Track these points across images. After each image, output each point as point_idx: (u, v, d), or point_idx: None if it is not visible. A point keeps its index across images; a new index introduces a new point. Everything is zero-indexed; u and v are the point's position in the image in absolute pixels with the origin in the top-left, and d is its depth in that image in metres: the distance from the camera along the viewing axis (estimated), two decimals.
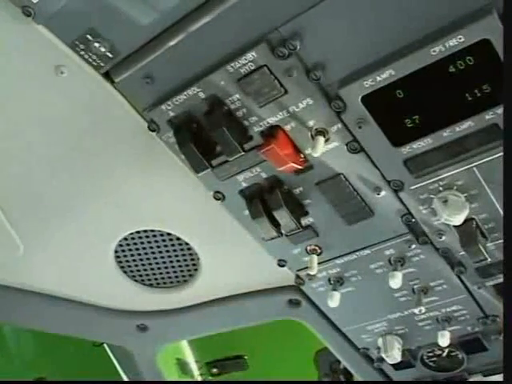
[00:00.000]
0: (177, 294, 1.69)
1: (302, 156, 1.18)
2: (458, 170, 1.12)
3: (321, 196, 1.23)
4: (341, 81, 1.05)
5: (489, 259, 1.22)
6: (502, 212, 1.17)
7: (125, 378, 2.16)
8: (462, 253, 1.25)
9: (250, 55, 1.04)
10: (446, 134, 1.06)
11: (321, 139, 1.11)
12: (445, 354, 1.58)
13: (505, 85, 0.88)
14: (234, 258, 1.52)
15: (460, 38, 0.93)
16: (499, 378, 1.57)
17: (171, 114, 1.17)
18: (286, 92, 1.08)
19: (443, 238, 1.25)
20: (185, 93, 1.13)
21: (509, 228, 0.89)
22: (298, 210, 1.27)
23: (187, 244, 1.55)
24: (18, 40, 1.11)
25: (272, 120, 1.13)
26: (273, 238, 1.30)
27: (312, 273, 1.35)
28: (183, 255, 1.59)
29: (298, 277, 1.45)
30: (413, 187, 1.17)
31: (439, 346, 1.44)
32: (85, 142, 1.29)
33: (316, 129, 1.13)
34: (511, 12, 0.86)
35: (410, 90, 1.03)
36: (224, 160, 1.20)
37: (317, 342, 1.66)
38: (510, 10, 0.86)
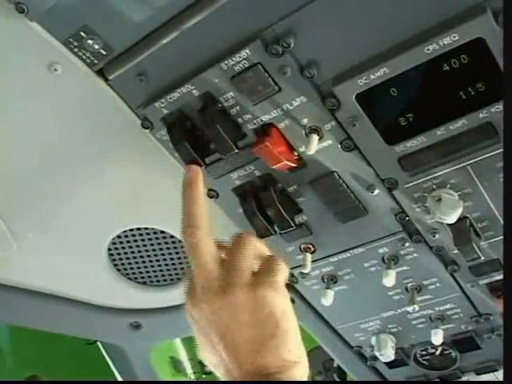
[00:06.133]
0: (170, 291, 1.69)
1: (296, 154, 1.18)
2: (451, 169, 1.12)
3: (314, 194, 1.23)
4: (335, 79, 1.05)
5: (482, 258, 1.23)
6: (495, 210, 1.17)
7: (118, 376, 2.16)
8: (456, 251, 1.25)
9: (244, 53, 1.04)
10: (440, 133, 1.07)
11: (315, 137, 1.11)
12: (438, 353, 1.58)
13: (505, 85, 0.88)
14: None
15: (454, 37, 0.93)
16: (492, 376, 1.58)
17: (165, 111, 1.17)
18: (279, 90, 1.08)
19: (437, 236, 1.25)
20: (178, 90, 1.13)
21: (509, 228, 0.89)
22: (291, 208, 1.27)
23: (180, 242, 1.55)
24: (10, 37, 1.10)
25: (266, 118, 1.13)
26: (266, 236, 1.30)
27: (305, 271, 1.35)
28: (177, 253, 1.59)
29: (291, 275, 1.44)
30: (407, 185, 1.17)
31: (433, 344, 1.45)
32: (77, 140, 1.28)
33: (310, 127, 1.12)
34: (511, 12, 0.86)
35: (404, 88, 1.03)
36: (218, 158, 1.20)
37: (310, 340, 1.65)
38: (510, 9, 0.86)
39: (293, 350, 0.99)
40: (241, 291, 0.98)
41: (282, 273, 1.03)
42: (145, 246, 1.59)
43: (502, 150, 1.06)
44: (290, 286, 1.51)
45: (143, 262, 1.63)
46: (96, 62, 1.12)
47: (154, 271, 1.66)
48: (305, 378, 1.00)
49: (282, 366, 0.96)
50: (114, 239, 1.57)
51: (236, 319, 0.97)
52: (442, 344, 1.46)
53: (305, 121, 1.12)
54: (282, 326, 0.99)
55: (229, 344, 0.97)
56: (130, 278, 1.68)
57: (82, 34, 1.08)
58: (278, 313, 0.99)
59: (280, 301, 1.01)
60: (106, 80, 1.16)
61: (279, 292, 1.01)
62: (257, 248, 1.05)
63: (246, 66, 1.06)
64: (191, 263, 1.01)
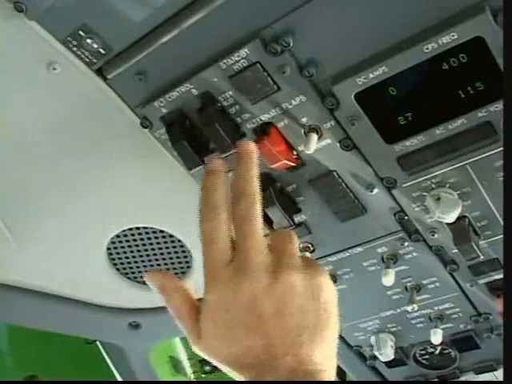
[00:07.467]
0: None
1: (295, 153, 1.18)
2: (450, 168, 1.12)
3: (314, 193, 1.23)
4: (334, 78, 1.05)
5: (481, 257, 1.23)
6: (494, 210, 1.17)
7: (117, 376, 2.16)
8: (455, 250, 1.25)
9: (243, 52, 1.04)
10: (439, 132, 1.07)
11: (314, 136, 1.11)
12: (437, 352, 1.58)
13: (505, 85, 0.88)
14: None
15: (453, 35, 0.93)
16: (491, 376, 1.58)
17: (164, 110, 1.17)
18: (278, 89, 1.08)
19: (436, 235, 1.25)
20: (177, 89, 1.13)
21: (509, 227, 0.89)
22: (290, 207, 1.27)
23: (180, 241, 1.55)
24: (9, 36, 1.10)
25: (265, 117, 1.13)
26: (265, 235, 1.30)
27: None
28: (176, 252, 1.59)
29: None
30: (405, 185, 1.17)
31: (432, 343, 1.45)
32: (76, 139, 1.28)
33: (309, 126, 1.12)
34: (511, 11, 0.86)
35: (403, 87, 1.03)
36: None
37: None
38: (510, 9, 0.86)
39: (334, 345, 0.91)
40: (296, 272, 0.89)
41: None
42: (144, 245, 1.58)
43: (500, 149, 1.06)
44: None
45: (142, 261, 1.63)
46: (95, 61, 1.12)
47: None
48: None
49: (327, 364, 0.87)
50: (113, 239, 1.57)
51: (290, 302, 0.88)
52: (442, 343, 1.46)
53: (304, 120, 1.12)
54: (334, 316, 0.92)
55: (277, 326, 0.86)
56: (129, 278, 1.68)
57: (81, 33, 1.08)
58: (332, 302, 0.93)
59: (333, 291, 0.94)
60: (105, 79, 1.16)
61: (331, 282, 0.95)
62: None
63: (245, 65, 1.06)
64: (242, 236, 0.91)
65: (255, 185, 0.92)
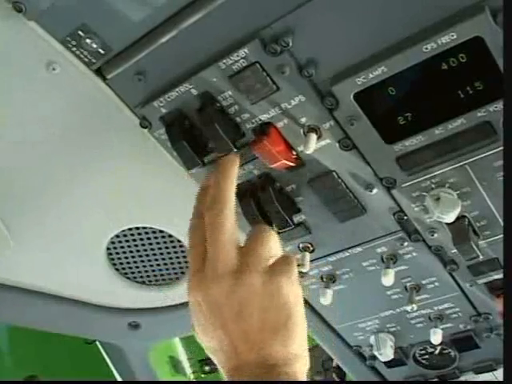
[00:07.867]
0: (169, 291, 1.69)
1: (295, 153, 1.18)
2: (450, 168, 1.12)
3: (313, 193, 1.23)
4: (333, 78, 1.05)
5: (481, 257, 1.22)
6: (494, 209, 1.17)
7: (117, 376, 2.16)
8: (455, 250, 1.25)
9: (243, 52, 1.04)
10: (438, 132, 1.06)
11: (313, 136, 1.11)
12: (437, 352, 1.58)
13: (505, 85, 0.88)
14: None
15: (452, 35, 0.93)
16: (490, 376, 1.58)
17: (163, 110, 1.16)
18: (278, 89, 1.08)
19: (435, 235, 1.25)
20: (177, 89, 1.13)
21: (509, 227, 0.89)
22: (290, 207, 1.26)
23: (179, 241, 1.55)
24: (8, 36, 1.10)
25: (264, 117, 1.13)
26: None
27: (304, 270, 1.35)
28: (175, 252, 1.59)
29: None
30: (405, 185, 1.17)
31: (431, 343, 1.44)
32: (76, 139, 1.28)
33: (308, 126, 1.12)
34: (511, 11, 0.86)
35: (403, 87, 1.03)
36: (216, 157, 1.20)
37: (308, 340, 1.65)
38: (510, 9, 0.86)
39: (300, 343, 0.99)
40: (257, 275, 0.97)
41: (296, 268, 1.03)
42: (143, 245, 1.58)
43: (500, 149, 1.06)
44: None
45: (142, 261, 1.63)
46: (94, 61, 1.12)
47: (153, 271, 1.66)
48: (305, 374, 0.99)
49: (288, 358, 0.95)
50: (112, 239, 1.57)
51: (249, 303, 0.96)
52: (441, 343, 1.46)
53: (303, 120, 1.12)
54: (294, 316, 0.98)
55: (237, 328, 0.96)
56: (128, 278, 1.68)
57: (81, 33, 1.08)
58: (292, 302, 0.99)
59: (295, 291, 1.00)
60: (105, 79, 1.16)
61: (295, 283, 1.01)
62: (275, 242, 1.05)
63: (245, 65, 1.06)
64: (209, 242, 1.00)
65: (225, 193, 1.02)
